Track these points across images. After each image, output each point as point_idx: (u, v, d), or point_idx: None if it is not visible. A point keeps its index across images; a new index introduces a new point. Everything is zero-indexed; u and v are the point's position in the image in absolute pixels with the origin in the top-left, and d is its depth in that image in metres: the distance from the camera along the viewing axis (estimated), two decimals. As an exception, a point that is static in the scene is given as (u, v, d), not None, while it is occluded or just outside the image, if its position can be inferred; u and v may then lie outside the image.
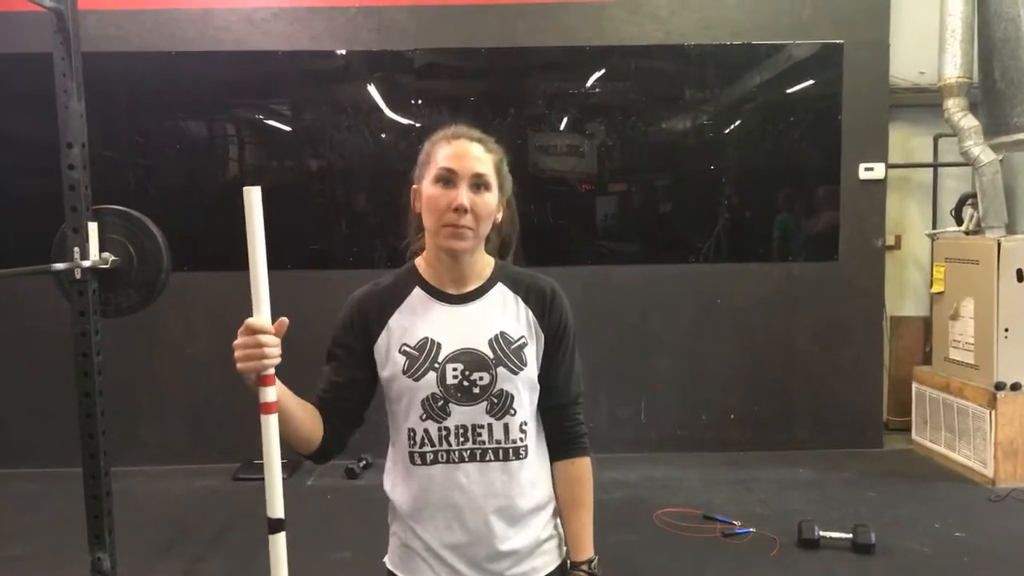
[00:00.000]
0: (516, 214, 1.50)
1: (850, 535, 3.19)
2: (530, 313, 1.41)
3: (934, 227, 4.90)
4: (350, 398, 1.40)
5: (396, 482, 1.42)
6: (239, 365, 1.20)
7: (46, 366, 4.24)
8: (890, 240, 4.84)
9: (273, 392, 1.23)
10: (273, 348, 1.21)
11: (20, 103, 4.26)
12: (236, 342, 1.21)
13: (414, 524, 1.38)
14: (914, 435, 4.66)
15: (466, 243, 1.34)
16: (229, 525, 3.54)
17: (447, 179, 1.33)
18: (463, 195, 1.32)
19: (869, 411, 4.68)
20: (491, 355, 1.36)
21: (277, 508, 1.27)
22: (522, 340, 1.39)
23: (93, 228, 2.21)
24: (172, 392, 4.53)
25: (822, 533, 3.22)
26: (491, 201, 1.36)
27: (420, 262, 1.44)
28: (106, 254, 2.24)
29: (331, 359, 1.41)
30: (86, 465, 2.25)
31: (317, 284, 4.10)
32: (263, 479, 1.27)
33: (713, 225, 4.61)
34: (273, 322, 1.22)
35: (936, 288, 4.51)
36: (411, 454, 1.36)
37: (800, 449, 4.57)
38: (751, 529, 3.38)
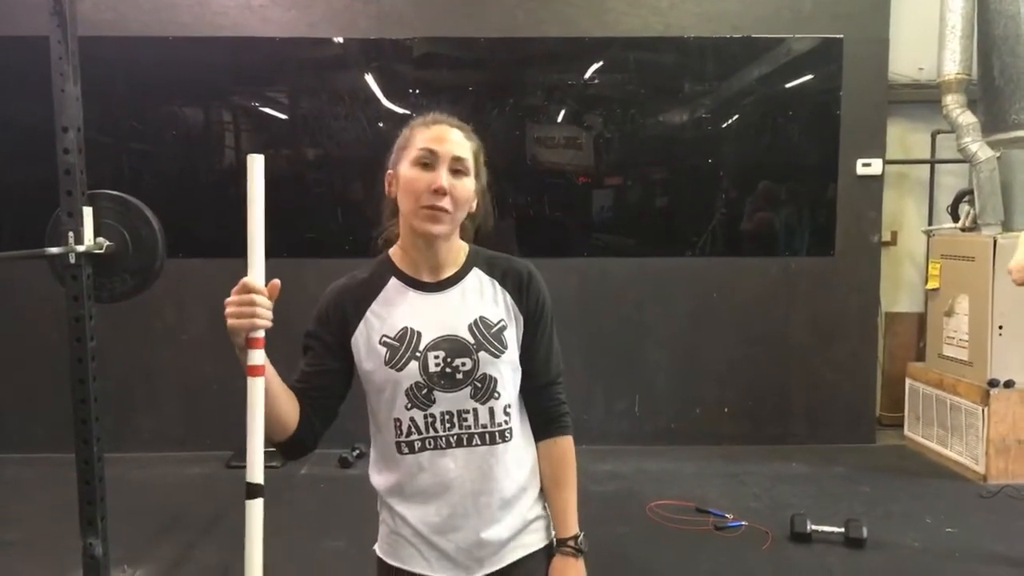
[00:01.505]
0: (491, 206, 1.50)
1: (842, 529, 3.20)
2: (507, 296, 1.42)
3: (930, 223, 4.91)
4: (323, 387, 1.39)
5: (383, 472, 1.41)
6: (230, 322, 1.20)
7: (40, 352, 4.24)
8: (886, 236, 4.84)
9: (261, 355, 1.23)
10: (264, 309, 1.21)
11: (15, 86, 4.24)
12: (228, 299, 1.21)
13: (403, 512, 1.38)
14: (907, 431, 4.69)
15: (443, 227, 1.34)
16: (222, 512, 3.53)
17: (427, 161, 1.33)
18: (443, 176, 1.32)
19: (863, 406, 4.70)
20: (472, 340, 1.36)
21: (257, 473, 1.24)
22: (501, 323, 1.39)
23: (88, 213, 2.20)
24: (166, 379, 4.52)
25: (814, 527, 3.22)
26: (469, 186, 1.36)
27: (395, 252, 1.44)
28: (101, 239, 2.24)
29: (306, 352, 1.41)
30: (79, 451, 2.25)
31: (312, 272, 4.09)
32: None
33: (710, 219, 4.61)
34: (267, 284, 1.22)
35: (931, 284, 4.52)
36: (398, 444, 1.36)
37: (793, 443, 4.59)
38: (743, 522, 3.40)
